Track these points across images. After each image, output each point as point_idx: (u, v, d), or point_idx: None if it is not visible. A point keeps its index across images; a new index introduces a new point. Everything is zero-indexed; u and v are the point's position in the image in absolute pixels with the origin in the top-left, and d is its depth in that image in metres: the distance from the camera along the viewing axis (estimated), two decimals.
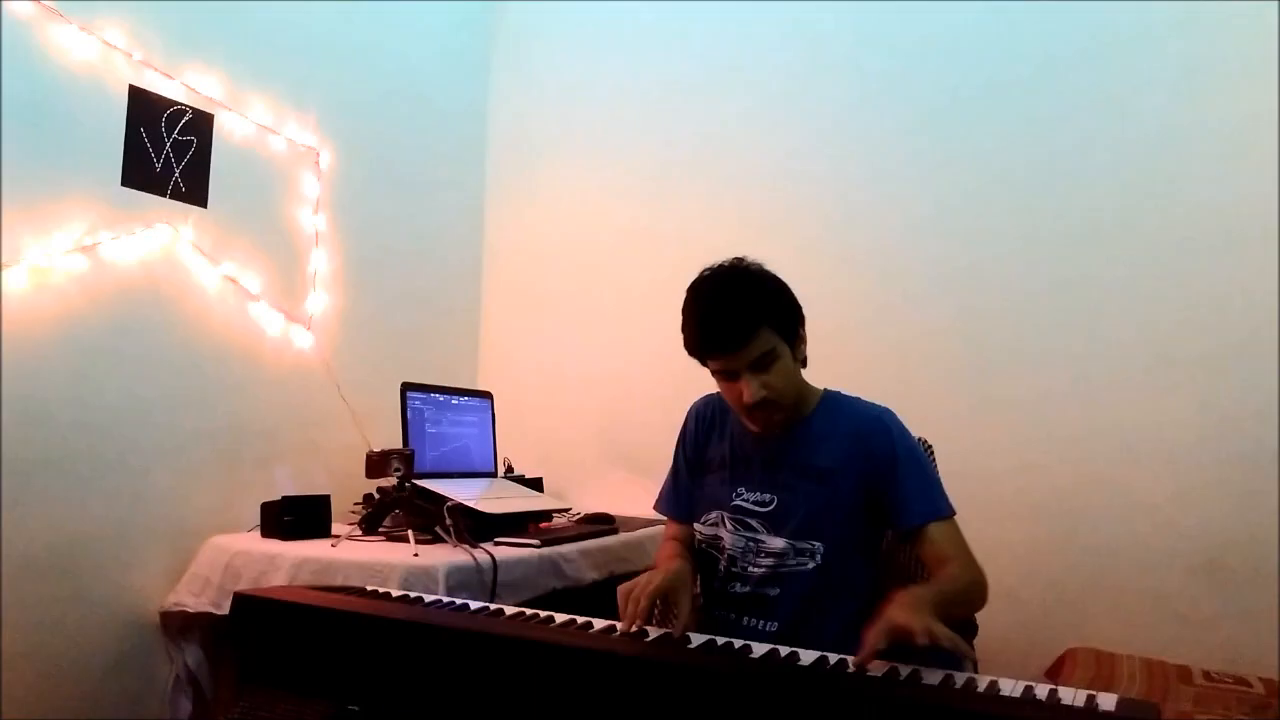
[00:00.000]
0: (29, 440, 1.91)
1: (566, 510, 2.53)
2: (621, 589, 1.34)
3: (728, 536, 1.52)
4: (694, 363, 1.48)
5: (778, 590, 1.47)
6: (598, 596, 1.83)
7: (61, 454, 1.98)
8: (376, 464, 2.08)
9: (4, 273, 1.88)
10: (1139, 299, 2.25)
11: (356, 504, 2.23)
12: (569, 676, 1.11)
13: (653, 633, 1.26)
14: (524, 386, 3.03)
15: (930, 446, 1.70)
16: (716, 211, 2.80)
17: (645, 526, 2.46)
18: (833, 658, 1.14)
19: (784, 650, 1.16)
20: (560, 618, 1.31)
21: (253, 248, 2.41)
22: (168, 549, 2.14)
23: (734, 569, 1.51)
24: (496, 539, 2.06)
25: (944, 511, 1.45)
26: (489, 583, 1.85)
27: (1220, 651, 2.05)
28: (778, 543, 1.47)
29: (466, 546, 1.92)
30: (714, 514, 1.55)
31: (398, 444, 2.24)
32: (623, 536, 2.38)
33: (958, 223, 2.47)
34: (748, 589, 1.49)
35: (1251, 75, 2.14)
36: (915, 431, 1.59)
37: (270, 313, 2.45)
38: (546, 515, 2.38)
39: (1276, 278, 2.09)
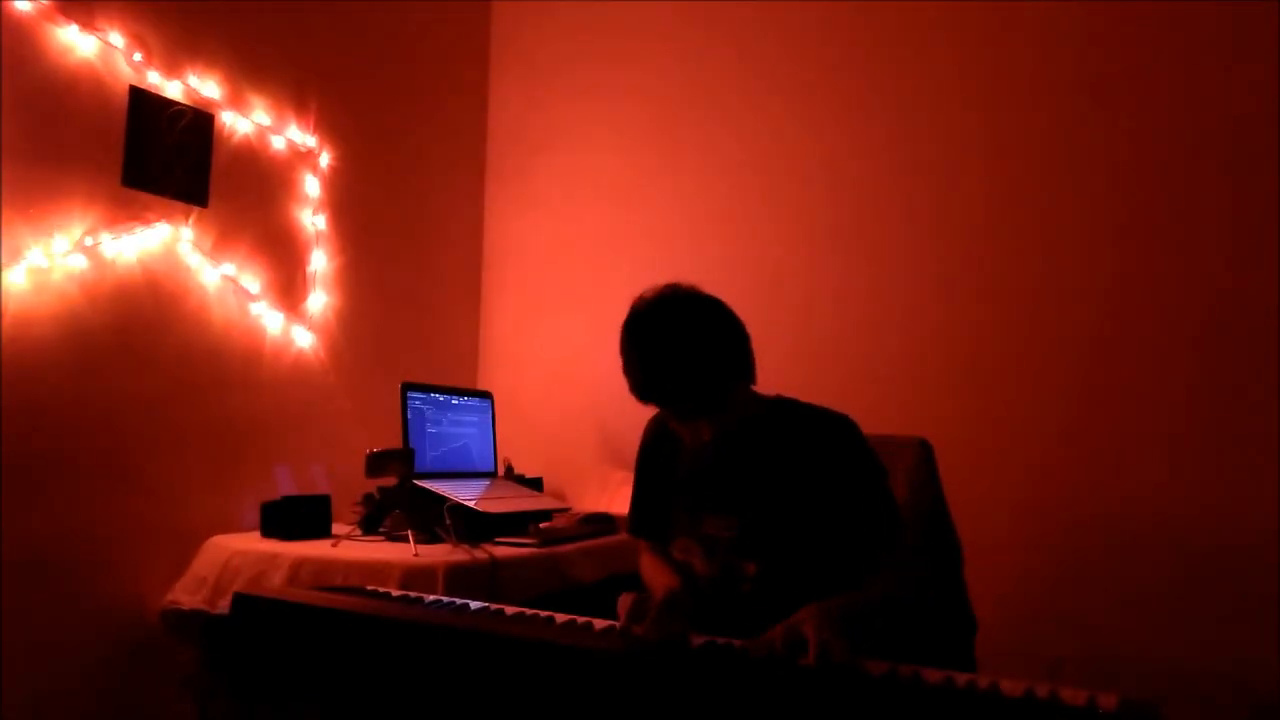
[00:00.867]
0: (29, 439, 1.91)
1: (566, 510, 2.53)
2: (624, 604, 1.27)
3: (702, 564, 1.47)
4: None
5: (762, 610, 1.43)
6: (598, 596, 1.82)
7: (61, 453, 1.98)
8: (376, 464, 2.08)
9: (4, 273, 1.88)
10: (1139, 299, 2.24)
11: (356, 504, 2.23)
12: (569, 676, 1.11)
13: None
14: (524, 386, 3.03)
15: (930, 446, 1.70)
16: (716, 211, 2.80)
17: None
18: None
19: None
20: (560, 618, 1.31)
21: (253, 248, 2.41)
22: (168, 549, 2.14)
23: (715, 597, 1.45)
24: (496, 539, 2.06)
25: (884, 531, 1.39)
26: (489, 583, 1.85)
27: (1220, 651, 2.05)
28: (752, 567, 1.42)
29: (466, 546, 1.92)
30: (684, 542, 1.50)
31: (398, 444, 2.24)
32: (623, 536, 2.38)
33: (958, 222, 2.47)
34: (733, 614, 1.43)
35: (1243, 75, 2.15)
36: (915, 432, 1.60)
37: (270, 313, 2.45)
38: (546, 515, 2.38)
39: (1277, 277, 2.09)
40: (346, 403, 2.63)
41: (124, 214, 2.10)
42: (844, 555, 1.41)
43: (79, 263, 2.02)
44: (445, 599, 1.47)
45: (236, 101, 2.37)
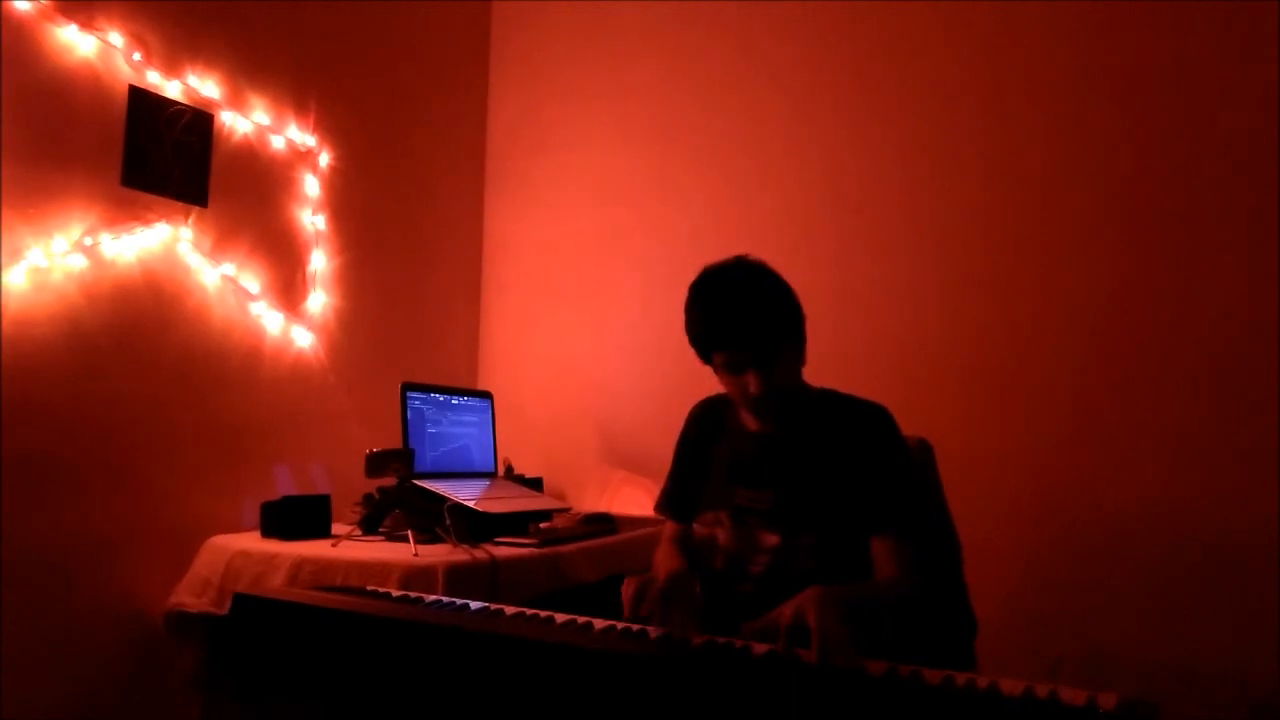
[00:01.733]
0: (29, 439, 1.91)
1: (566, 510, 2.53)
2: (628, 590, 1.31)
3: (726, 535, 1.53)
4: (695, 363, 1.48)
5: (777, 587, 1.47)
6: (598, 596, 1.82)
7: (61, 453, 1.98)
8: (376, 464, 2.08)
9: (4, 273, 1.88)
10: (1140, 298, 2.25)
11: (356, 504, 2.23)
12: (569, 676, 1.11)
13: (653, 633, 1.26)
14: (524, 386, 3.03)
15: (930, 446, 1.70)
16: (717, 211, 2.80)
17: (645, 526, 2.46)
18: None
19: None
20: (560, 618, 1.31)
21: (252, 248, 2.41)
22: (167, 549, 2.14)
23: (733, 567, 1.51)
24: (496, 539, 2.06)
25: (909, 527, 1.43)
26: (489, 583, 1.85)
27: (1220, 651, 2.05)
28: (776, 539, 1.48)
29: (466, 546, 1.92)
30: (713, 513, 1.56)
31: (398, 444, 2.24)
32: (623, 536, 2.38)
33: (959, 222, 2.47)
34: (748, 587, 1.49)
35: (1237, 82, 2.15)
36: (915, 431, 1.59)
37: (270, 313, 2.45)
38: (546, 515, 2.38)
39: (1277, 277, 2.09)
40: (346, 403, 2.63)
41: (123, 214, 2.10)
42: (867, 540, 1.46)
43: (79, 263, 2.02)
44: (445, 599, 1.47)
45: (236, 101, 2.37)
